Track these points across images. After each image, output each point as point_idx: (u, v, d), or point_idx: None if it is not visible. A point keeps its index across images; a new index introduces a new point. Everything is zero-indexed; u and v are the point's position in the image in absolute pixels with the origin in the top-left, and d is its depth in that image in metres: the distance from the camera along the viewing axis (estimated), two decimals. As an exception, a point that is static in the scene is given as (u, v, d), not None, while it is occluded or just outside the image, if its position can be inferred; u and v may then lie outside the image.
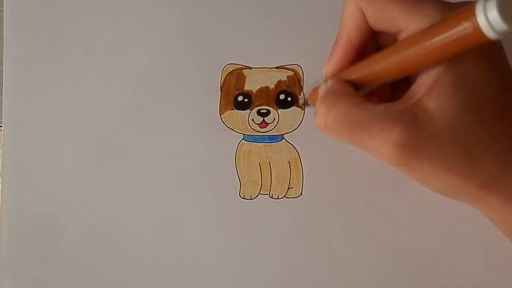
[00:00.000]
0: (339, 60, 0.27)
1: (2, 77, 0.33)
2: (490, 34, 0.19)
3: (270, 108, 0.32)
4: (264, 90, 0.32)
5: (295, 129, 0.32)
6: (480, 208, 0.26)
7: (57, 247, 0.32)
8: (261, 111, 0.32)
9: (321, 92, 0.27)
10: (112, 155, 0.32)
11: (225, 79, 0.33)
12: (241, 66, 0.33)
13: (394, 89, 0.29)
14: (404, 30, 0.24)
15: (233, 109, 0.32)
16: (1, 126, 0.33)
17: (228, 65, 0.33)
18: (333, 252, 0.31)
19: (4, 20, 0.33)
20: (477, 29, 0.19)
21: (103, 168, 0.32)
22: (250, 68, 0.33)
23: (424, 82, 0.23)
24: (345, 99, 0.25)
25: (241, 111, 0.32)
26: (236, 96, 0.32)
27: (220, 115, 0.32)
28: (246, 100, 0.32)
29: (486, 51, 0.23)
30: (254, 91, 0.32)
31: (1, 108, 0.33)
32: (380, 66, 0.25)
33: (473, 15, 0.19)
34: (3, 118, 0.32)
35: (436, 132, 0.23)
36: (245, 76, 0.33)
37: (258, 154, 0.32)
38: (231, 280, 0.31)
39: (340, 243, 0.31)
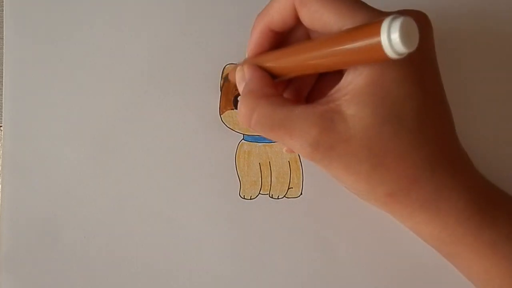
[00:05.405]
0: (255, 43, 0.28)
1: (2, 77, 0.33)
2: (390, 54, 0.19)
3: (270, 108, 0.32)
4: (264, 90, 0.32)
5: (295, 129, 0.32)
6: (393, 216, 0.27)
7: (57, 247, 0.32)
8: (261, 111, 0.32)
9: (237, 79, 0.28)
10: (112, 155, 0.32)
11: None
12: (241, 66, 0.33)
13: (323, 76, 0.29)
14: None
15: (233, 109, 0.32)
16: (1, 126, 0.33)
17: (228, 65, 0.33)
18: (333, 252, 0.31)
19: (4, 20, 0.33)
20: (380, 46, 0.20)
21: (103, 168, 0.32)
22: (250, 68, 0.32)
23: (346, 89, 0.24)
24: (266, 101, 0.25)
25: (241, 111, 0.32)
26: (236, 96, 0.32)
27: (220, 115, 0.32)
28: (246, 100, 0.32)
29: (414, 62, 0.23)
30: (254, 91, 0.32)
31: (1, 108, 0.33)
32: (293, 59, 0.25)
33: (378, 33, 0.19)
34: (3, 118, 0.32)
35: (349, 137, 0.23)
36: (245, 76, 0.32)
37: (258, 154, 0.32)
38: (231, 280, 0.31)
39: (340, 243, 0.31)
